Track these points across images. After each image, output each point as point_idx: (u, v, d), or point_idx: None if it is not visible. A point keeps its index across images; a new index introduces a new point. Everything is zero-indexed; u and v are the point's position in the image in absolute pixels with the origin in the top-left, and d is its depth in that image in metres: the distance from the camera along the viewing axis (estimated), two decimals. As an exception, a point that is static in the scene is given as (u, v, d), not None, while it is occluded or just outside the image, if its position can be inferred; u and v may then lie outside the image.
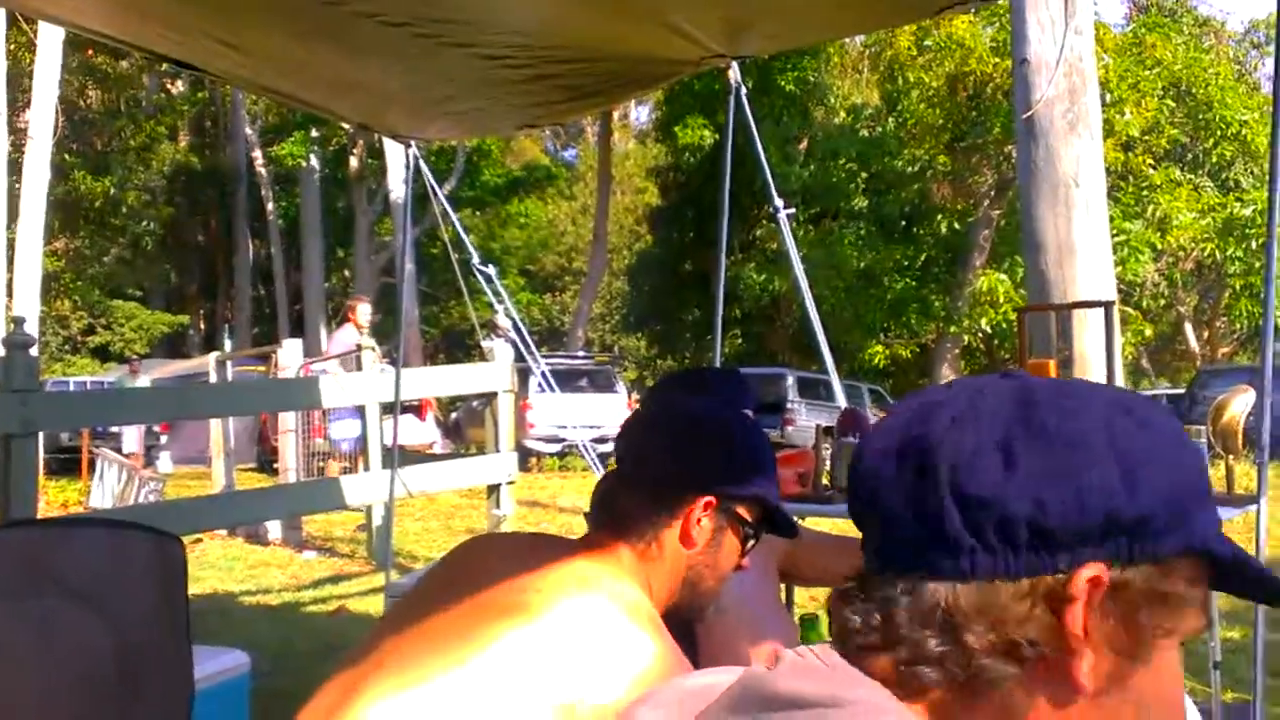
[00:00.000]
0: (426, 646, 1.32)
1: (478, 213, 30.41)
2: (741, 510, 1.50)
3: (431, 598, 1.43)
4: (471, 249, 6.61)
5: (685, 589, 1.48)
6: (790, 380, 17.61)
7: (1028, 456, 0.67)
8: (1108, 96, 16.55)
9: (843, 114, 24.47)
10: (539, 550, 1.47)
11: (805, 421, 15.57)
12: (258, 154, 28.00)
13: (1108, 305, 4.52)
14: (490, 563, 1.45)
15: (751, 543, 1.53)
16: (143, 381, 15.41)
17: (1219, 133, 18.95)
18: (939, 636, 0.68)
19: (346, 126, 21.55)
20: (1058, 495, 0.67)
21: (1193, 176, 19.26)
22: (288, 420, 9.26)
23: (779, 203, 5.42)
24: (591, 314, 31.62)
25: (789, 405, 16.82)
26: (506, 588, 1.35)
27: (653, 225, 28.85)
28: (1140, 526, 0.67)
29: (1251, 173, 19.31)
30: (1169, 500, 0.69)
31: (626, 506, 1.48)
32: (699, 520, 1.46)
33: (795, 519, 3.45)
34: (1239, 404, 3.11)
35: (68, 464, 14.85)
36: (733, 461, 1.50)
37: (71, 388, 17.34)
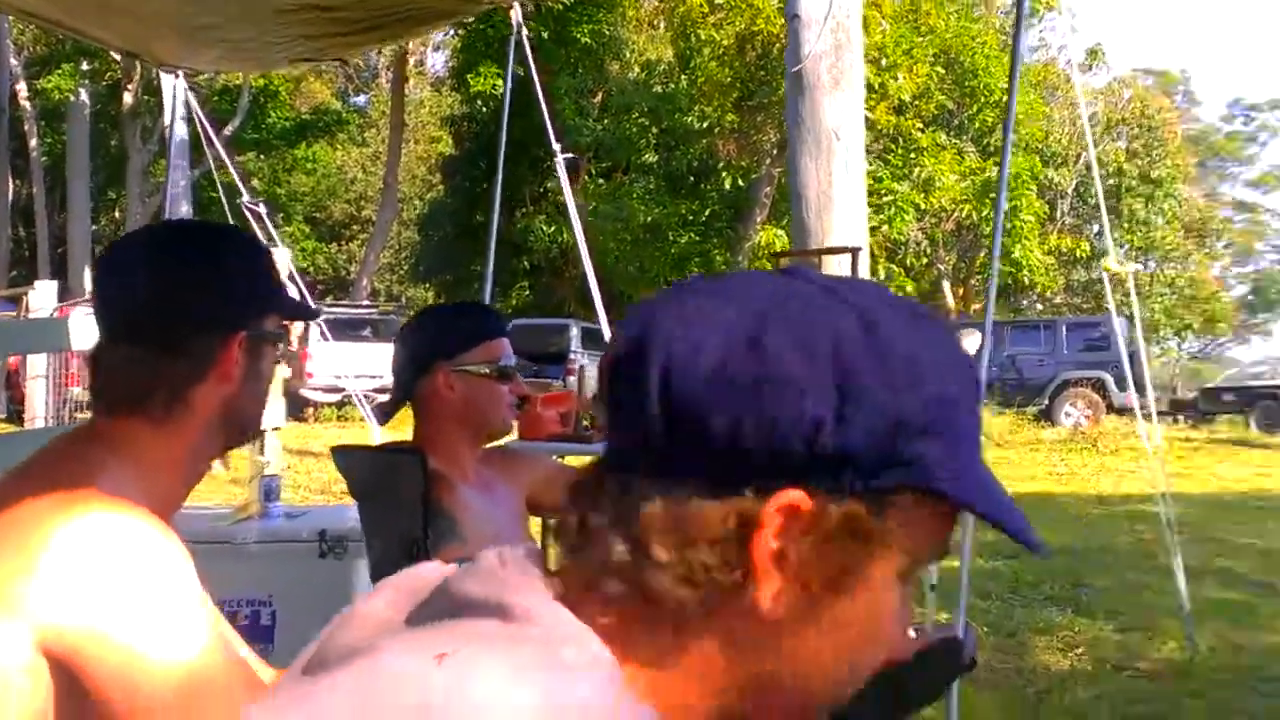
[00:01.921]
0: None
1: (263, 156, 29.32)
2: (271, 324, 1.37)
3: None
4: (242, 187, 6.46)
5: (228, 429, 1.34)
6: (574, 331, 17.93)
7: (741, 367, 0.61)
8: (884, 61, 17.31)
9: (637, 69, 24.68)
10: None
11: (588, 372, 15.81)
12: (22, 86, 26.18)
13: (855, 251, 4.88)
14: None
15: (281, 345, 1.41)
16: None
17: (983, 100, 19.99)
18: (627, 545, 0.64)
19: (118, 58, 20.41)
20: (754, 418, 0.61)
21: (957, 141, 20.27)
22: (38, 365, 8.87)
23: (556, 147, 5.56)
24: (380, 264, 31.01)
25: (571, 355, 17.11)
26: None
27: (445, 175, 28.48)
28: (846, 461, 0.62)
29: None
30: (887, 433, 0.62)
31: (126, 378, 1.28)
32: (236, 361, 1.31)
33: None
34: (967, 345, 3.46)
35: None
36: (242, 288, 1.34)
37: None
